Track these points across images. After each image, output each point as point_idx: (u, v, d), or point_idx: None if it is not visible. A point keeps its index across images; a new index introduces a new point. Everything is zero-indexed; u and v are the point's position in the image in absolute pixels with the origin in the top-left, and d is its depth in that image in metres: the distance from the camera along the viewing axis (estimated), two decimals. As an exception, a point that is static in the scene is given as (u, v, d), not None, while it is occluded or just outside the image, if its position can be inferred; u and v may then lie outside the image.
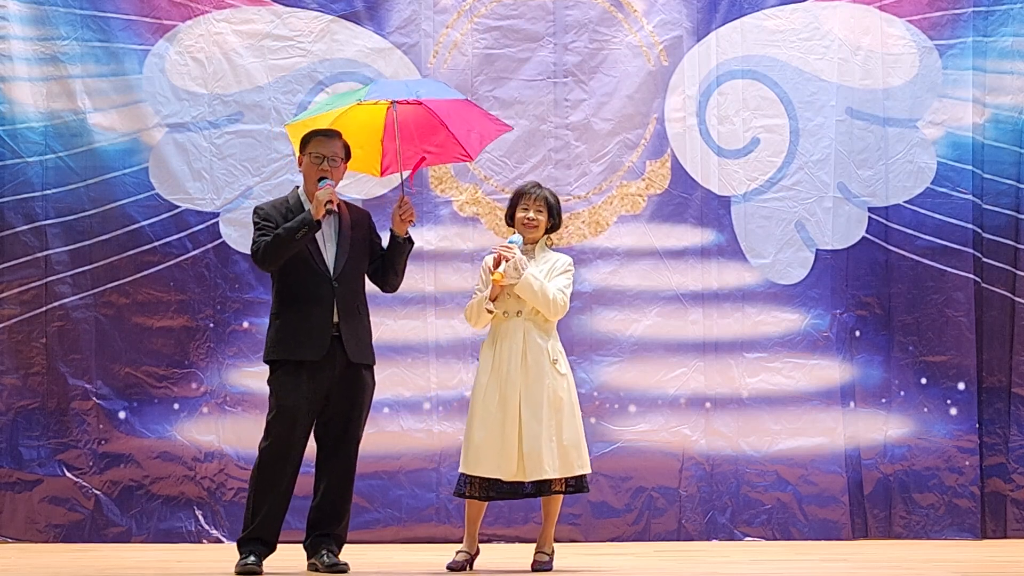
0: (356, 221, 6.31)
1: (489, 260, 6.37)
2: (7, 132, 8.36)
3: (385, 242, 6.40)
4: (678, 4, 8.47)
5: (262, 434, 6.17)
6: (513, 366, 6.19)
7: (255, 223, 6.20)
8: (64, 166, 8.36)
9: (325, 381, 6.12)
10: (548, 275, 6.30)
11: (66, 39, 8.36)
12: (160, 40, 8.38)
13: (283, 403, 6.08)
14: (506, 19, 8.47)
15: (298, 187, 6.31)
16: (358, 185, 8.05)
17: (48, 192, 8.35)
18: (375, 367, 6.34)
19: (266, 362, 6.23)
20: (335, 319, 6.13)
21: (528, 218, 6.33)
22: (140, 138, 8.37)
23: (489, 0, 8.47)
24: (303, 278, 6.14)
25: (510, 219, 6.42)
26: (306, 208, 6.18)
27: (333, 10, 8.44)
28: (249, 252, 6.32)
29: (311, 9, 8.44)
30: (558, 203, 6.43)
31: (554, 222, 6.39)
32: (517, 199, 6.39)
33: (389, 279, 6.38)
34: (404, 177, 6.26)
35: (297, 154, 6.44)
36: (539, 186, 6.44)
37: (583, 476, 6.27)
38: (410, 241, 6.33)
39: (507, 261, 6.18)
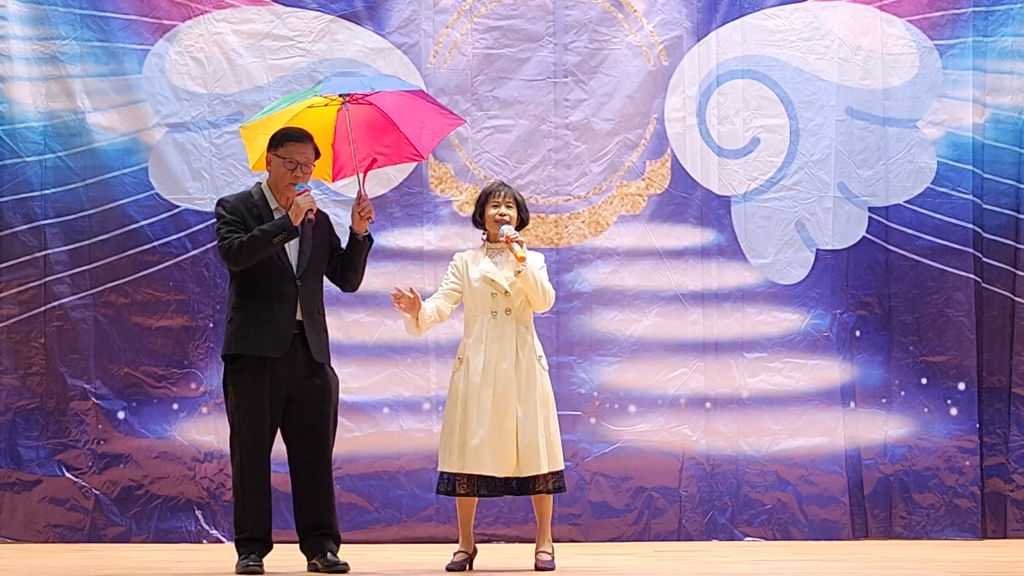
0: (317, 222, 6.29)
1: (463, 257, 6.45)
2: (6, 132, 8.35)
3: (345, 242, 6.39)
4: (678, 4, 8.47)
5: (229, 433, 6.16)
6: (508, 364, 6.23)
7: (219, 216, 6.15)
8: (63, 166, 8.35)
9: (285, 379, 6.11)
10: None
11: (66, 39, 8.35)
12: (160, 40, 8.37)
13: (247, 402, 6.07)
14: (506, 19, 8.46)
15: (260, 182, 6.29)
16: (353, 185, 8.01)
17: (47, 192, 8.34)
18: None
19: (224, 357, 6.20)
20: (298, 317, 6.13)
21: (501, 213, 6.36)
22: (140, 138, 8.36)
23: (489, 0, 8.47)
24: (267, 276, 6.11)
25: (479, 218, 6.44)
26: (272, 205, 6.17)
27: (333, 10, 8.43)
28: (218, 247, 6.24)
29: (311, 9, 8.43)
30: (524, 200, 6.51)
31: (523, 218, 6.44)
32: (485, 198, 6.44)
33: (349, 277, 6.36)
34: (359, 178, 6.26)
35: (251, 155, 6.40)
36: (505, 184, 6.53)
37: (561, 472, 6.33)
38: (369, 238, 6.32)
39: (520, 244, 6.23)
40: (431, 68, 8.40)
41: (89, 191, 8.34)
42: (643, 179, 8.44)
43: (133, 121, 8.37)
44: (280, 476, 6.24)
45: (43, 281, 8.32)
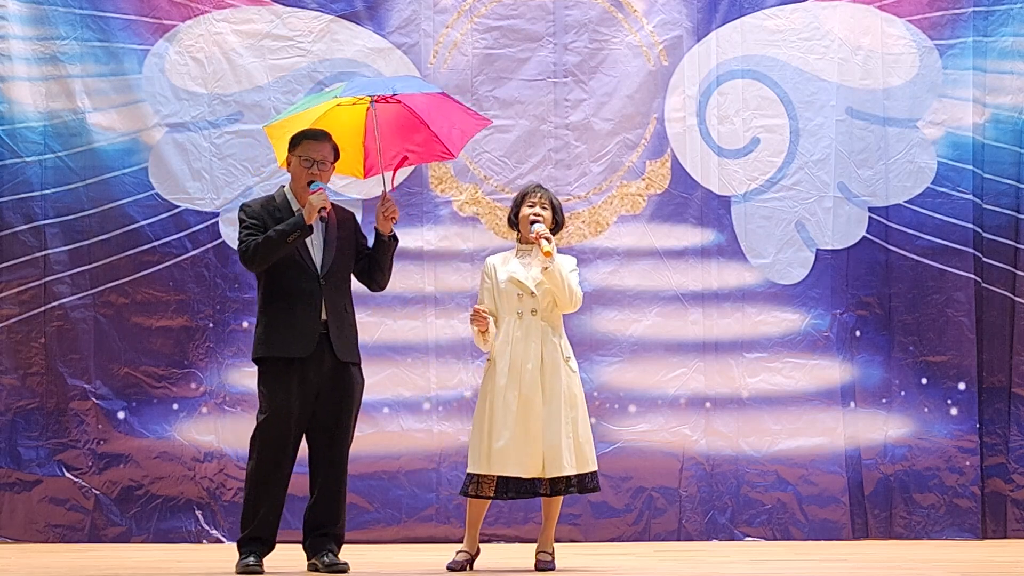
0: (342, 221, 6.31)
1: (492, 261, 6.45)
2: (6, 132, 8.35)
3: (371, 241, 6.40)
4: (678, 4, 8.47)
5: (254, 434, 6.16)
6: (533, 365, 6.23)
7: (241, 220, 6.20)
8: (63, 166, 8.35)
9: (314, 379, 6.13)
10: None
11: (66, 39, 8.36)
12: (160, 40, 8.37)
13: (274, 402, 6.09)
14: (506, 19, 8.47)
15: (283, 186, 6.32)
16: (358, 185, 8.04)
17: (47, 192, 8.34)
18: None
19: (254, 360, 6.23)
20: (323, 317, 6.14)
21: (536, 213, 6.36)
22: (140, 138, 8.37)
23: (489, 0, 8.47)
24: (291, 276, 6.14)
25: (514, 218, 6.45)
26: (294, 208, 6.19)
27: (333, 10, 8.43)
28: (237, 250, 6.29)
29: (311, 9, 8.43)
30: (560, 205, 6.52)
31: (557, 221, 6.44)
32: (521, 198, 6.46)
33: (376, 277, 6.39)
34: (386, 176, 6.28)
35: (279, 154, 6.43)
36: (542, 187, 6.54)
37: (595, 473, 6.32)
38: (395, 239, 6.34)
39: (548, 241, 6.22)
40: (431, 68, 8.40)
41: (89, 191, 8.34)
42: (643, 179, 8.45)
43: (133, 121, 8.37)
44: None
45: (43, 281, 8.32)
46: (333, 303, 6.18)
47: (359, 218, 6.60)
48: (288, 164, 6.29)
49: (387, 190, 6.27)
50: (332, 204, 6.26)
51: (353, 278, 6.38)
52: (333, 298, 6.18)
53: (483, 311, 6.27)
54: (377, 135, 6.27)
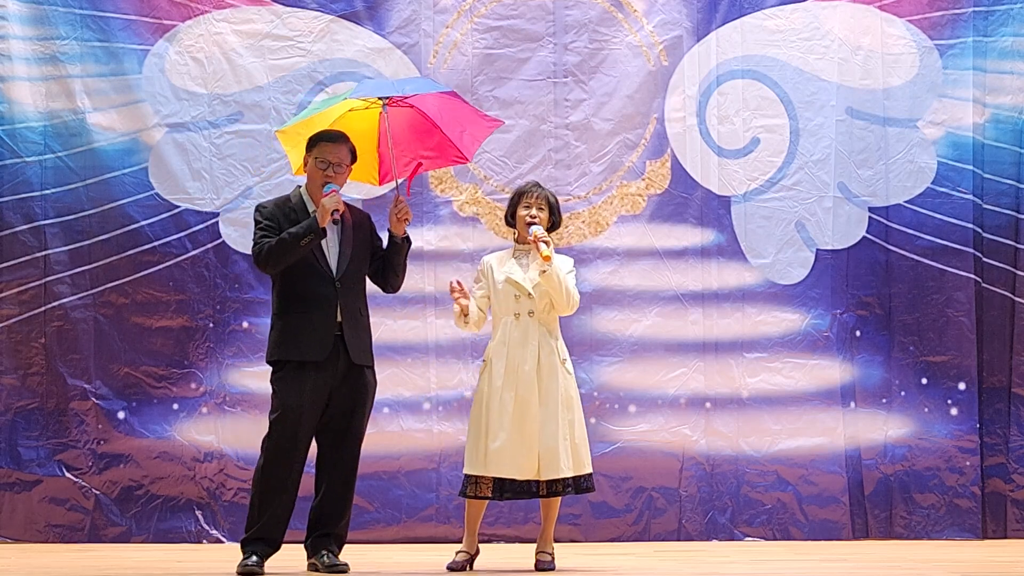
0: (358, 223, 6.32)
1: (489, 260, 6.45)
2: (6, 132, 8.35)
3: (384, 243, 6.41)
4: (678, 4, 8.47)
5: (264, 434, 6.16)
6: (530, 366, 6.23)
7: (256, 221, 6.20)
8: (63, 166, 8.35)
9: (327, 381, 6.13)
10: None
11: (65, 39, 8.36)
12: (160, 40, 8.37)
13: (286, 403, 6.08)
14: (506, 19, 8.47)
15: (300, 186, 6.31)
16: (358, 186, 8.02)
17: (47, 192, 8.34)
18: (374, 368, 6.35)
19: (269, 363, 6.23)
20: (338, 320, 6.14)
21: (531, 215, 6.35)
22: (140, 138, 8.37)
23: (489, 0, 8.47)
24: (306, 279, 6.15)
25: (511, 218, 6.44)
26: (310, 209, 6.18)
27: (333, 10, 8.44)
28: (250, 252, 6.31)
29: (311, 9, 8.44)
30: (557, 202, 6.49)
31: (554, 220, 6.43)
32: (518, 198, 6.44)
33: (390, 279, 6.40)
34: (400, 181, 6.28)
35: (293, 160, 6.43)
36: (539, 185, 6.51)
37: (590, 474, 6.32)
38: (408, 240, 6.35)
39: (547, 244, 6.22)
40: (431, 68, 8.40)
41: (89, 191, 8.34)
42: (643, 179, 8.45)
43: (133, 121, 8.37)
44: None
45: (43, 281, 8.32)
46: (348, 306, 6.18)
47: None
48: (305, 165, 6.28)
49: (400, 193, 6.26)
50: (347, 205, 6.27)
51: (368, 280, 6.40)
52: (348, 301, 6.18)
53: (459, 283, 6.27)
54: (390, 141, 6.27)
